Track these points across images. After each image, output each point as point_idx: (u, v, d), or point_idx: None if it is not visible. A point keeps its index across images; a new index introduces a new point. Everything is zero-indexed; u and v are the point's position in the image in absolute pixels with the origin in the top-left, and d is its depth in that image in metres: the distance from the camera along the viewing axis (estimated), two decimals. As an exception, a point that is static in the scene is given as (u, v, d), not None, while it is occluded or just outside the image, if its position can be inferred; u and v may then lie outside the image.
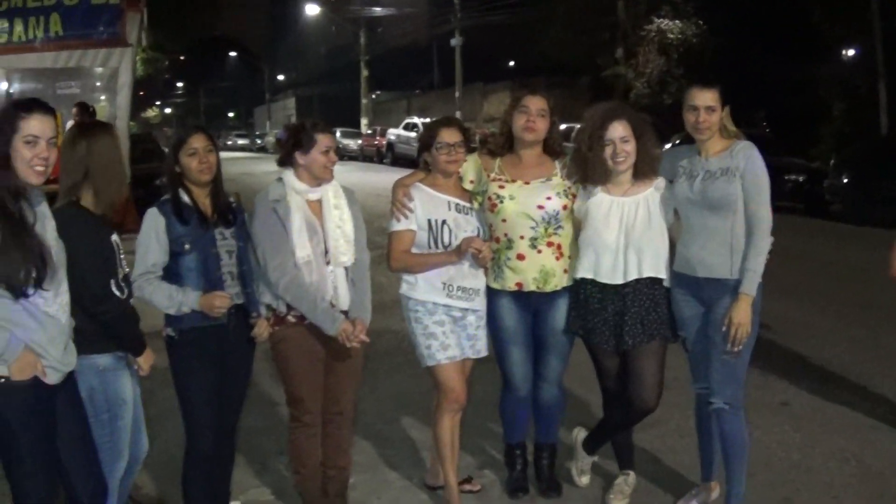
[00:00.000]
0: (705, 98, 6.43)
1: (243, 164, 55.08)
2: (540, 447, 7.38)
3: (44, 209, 5.08)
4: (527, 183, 6.81)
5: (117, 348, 5.73)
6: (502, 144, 6.99)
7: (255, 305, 6.32)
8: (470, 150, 6.91)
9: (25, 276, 4.79)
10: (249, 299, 6.29)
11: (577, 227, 6.81)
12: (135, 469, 6.22)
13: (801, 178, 28.02)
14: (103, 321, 5.49)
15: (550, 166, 6.92)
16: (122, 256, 5.80)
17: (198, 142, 6.10)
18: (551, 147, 6.98)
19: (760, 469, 7.52)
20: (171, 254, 6.03)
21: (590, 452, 7.31)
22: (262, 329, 6.34)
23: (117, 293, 5.65)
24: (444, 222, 6.69)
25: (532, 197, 6.76)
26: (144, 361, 5.86)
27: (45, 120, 4.94)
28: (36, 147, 4.87)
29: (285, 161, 6.46)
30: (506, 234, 6.80)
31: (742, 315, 6.29)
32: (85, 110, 18.07)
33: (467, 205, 6.85)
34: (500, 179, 6.86)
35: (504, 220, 6.79)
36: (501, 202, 6.78)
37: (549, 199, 6.75)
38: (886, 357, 11.18)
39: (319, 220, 6.35)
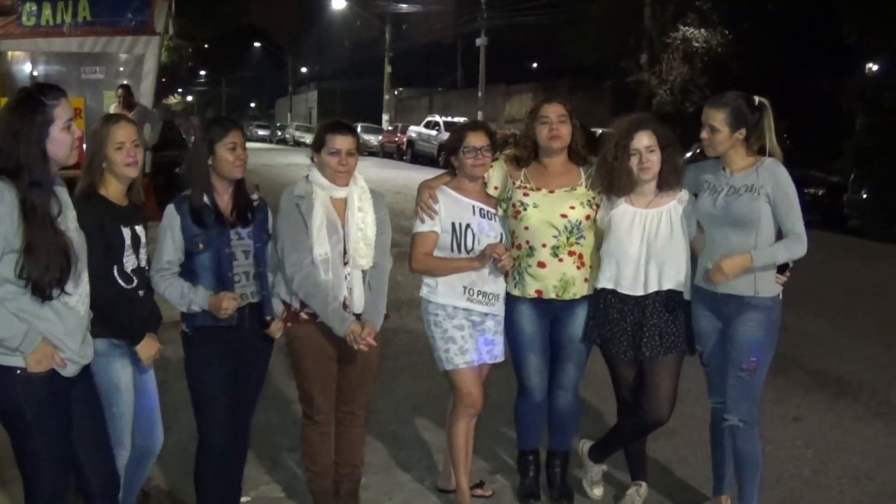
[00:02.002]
0: (708, 117, 6.45)
1: (264, 155, 55.13)
2: (553, 454, 7.37)
3: (65, 197, 5.10)
4: (551, 191, 6.83)
5: (113, 335, 5.73)
6: (527, 157, 6.99)
7: (270, 309, 6.31)
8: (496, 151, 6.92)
9: (50, 281, 4.82)
10: (265, 300, 6.28)
11: (600, 237, 6.82)
12: (148, 461, 6.25)
13: (820, 192, 27.90)
14: (96, 304, 5.41)
15: (576, 175, 6.94)
16: (141, 249, 5.85)
17: (237, 137, 6.09)
18: (576, 152, 7.00)
19: (772, 484, 7.49)
20: (186, 252, 6.04)
21: (597, 461, 7.30)
22: (275, 328, 6.34)
23: (121, 282, 5.69)
24: (467, 226, 6.69)
25: (556, 205, 6.78)
26: (143, 351, 5.84)
27: (68, 103, 5.01)
28: (71, 129, 4.93)
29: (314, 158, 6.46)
30: (528, 242, 6.82)
31: (730, 265, 6.25)
32: (129, 92, 18.10)
33: (492, 210, 6.85)
34: (524, 187, 6.88)
35: (527, 228, 6.81)
36: (525, 209, 6.80)
37: (572, 208, 6.77)
38: (903, 374, 11.13)
39: (342, 220, 6.34)
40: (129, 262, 5.76)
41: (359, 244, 6.34)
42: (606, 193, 6.77)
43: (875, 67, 37.71)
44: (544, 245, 6.77)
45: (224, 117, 6.76)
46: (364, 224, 6.38)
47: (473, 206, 6.77)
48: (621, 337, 6.73)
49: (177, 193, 6.20)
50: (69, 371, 5.05)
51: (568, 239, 6.76)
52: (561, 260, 6.78)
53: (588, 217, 6.80)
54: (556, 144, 6.82)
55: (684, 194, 6.69)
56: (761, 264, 6.28)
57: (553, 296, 6.83)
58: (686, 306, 6.70)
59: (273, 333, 6.33)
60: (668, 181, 6.63)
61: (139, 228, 5.86)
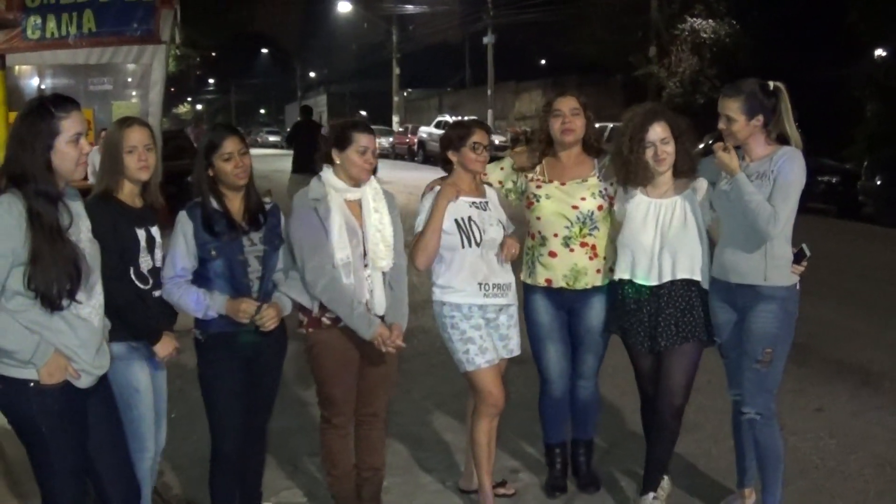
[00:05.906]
0: (724, 107, 6.40)
1: (275, 161, 55.10)
2: (577, 443, 7.44)
3: (78, 208, 5.07)
4: (563, 184, 6.91)
5: (130, 337, 5.73)
6: (543, 150, 7.04)
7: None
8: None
9: (59, 291, 4.78)
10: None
11: (616, 229, 6.82)
12: (154, 461, 6.22)
13: (833, 180, 27.88)
14: (113, 305, 5.39)
15: (589, 166, 7.01)
16: (157, 249, 5.89)
17: (232, 145, 5.99)
18: (590, 144, 7.07)
19: (795, 476, 7.44)
20: (200, 259, 5.98)
21: (654, 487, 6.95)
22: (268, 318, 6.05)
23: (137, 283, 5.73)
24: (470, 219, 6.68)
25: (567, 197, 6.86)
26: (161, 349, 5.85)
27: (80, 116, 4.96)
28: (79, 144, 4.89)
29: (326, 158, 6.39)
30: (539, 232, 6.94)
31: (725, 157, 6.34)
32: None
33: (483, 200, 6.85)
34: (537, 180, 6.99)
35: (539, 218, 6.92)
36: (538, 201, 6.91)
37: (583, 199, 6.84)
38: (924, 361, 11.08)
39: (359, 222, 6.30)
40: (145, 263, 5.79)
41: (378, 245, 6.30)
42: (623, 185, 6.76)
43: (884, 54, 37.60)
44: (556, 235, 6.86)
45: (221, 125, 6.68)
46: (382, 225, 6.35)
47: (471, 201, 6.78)
48: (638, 327, 6.72)
49: (188, 202, 6.14)
50: (83, 382, 5.01)
51: (581, 230, 6.84)
52: (572, 250, 6.86)
53: (600, 207, 6.86)
54: (569, 138, 6.88)
55: (700, 182, 6.66)
56: (741, 185, 6.23)
57: (563, 285, 6.90)
58: (704, 295, 6.67)
59: (263, 324, 6.03)
60: (683, 169, 6.63)
61: (154, 229, 5.90)
